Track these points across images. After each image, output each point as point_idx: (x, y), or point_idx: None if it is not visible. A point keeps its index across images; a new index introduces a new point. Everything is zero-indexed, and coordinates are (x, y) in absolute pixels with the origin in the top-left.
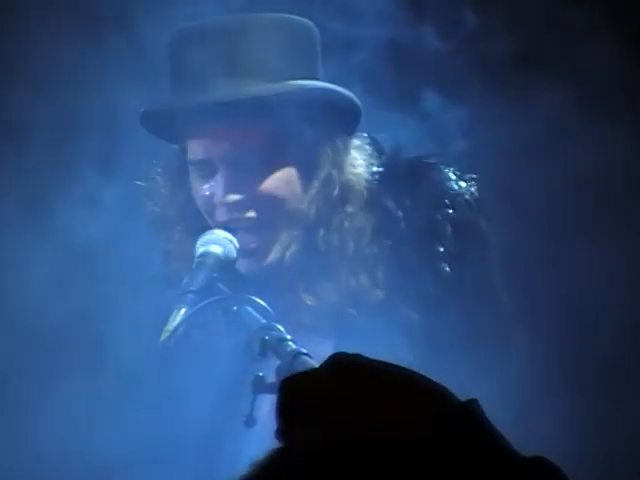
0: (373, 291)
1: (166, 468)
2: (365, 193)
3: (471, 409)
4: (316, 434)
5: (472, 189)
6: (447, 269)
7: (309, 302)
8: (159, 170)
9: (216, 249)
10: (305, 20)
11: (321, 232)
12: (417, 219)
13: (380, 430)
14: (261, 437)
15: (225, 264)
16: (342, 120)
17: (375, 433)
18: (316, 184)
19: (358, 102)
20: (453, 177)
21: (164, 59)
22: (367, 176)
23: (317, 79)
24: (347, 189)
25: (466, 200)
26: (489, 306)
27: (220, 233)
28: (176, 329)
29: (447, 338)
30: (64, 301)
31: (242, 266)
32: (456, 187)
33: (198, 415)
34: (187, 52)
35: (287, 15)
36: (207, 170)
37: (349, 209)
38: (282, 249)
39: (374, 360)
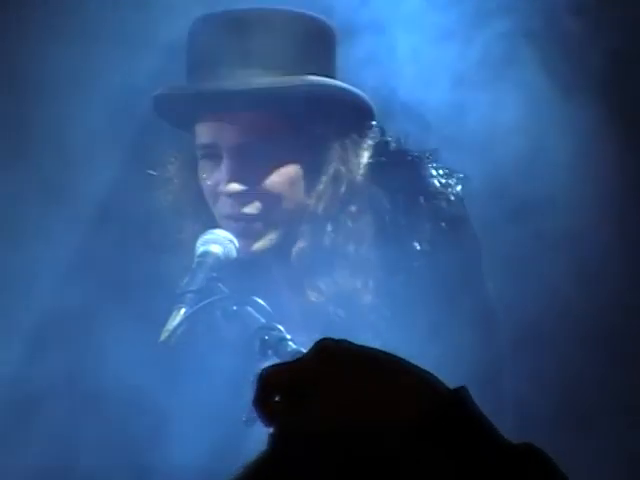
0: (363, 295)
1: (165, 467)
2: (367, 192)
3: (460, 396)
4: (299, 421)
5: (457, 188)
6: (425, 268)
7: (314, 299)
8: (172, 159)
9: (216, 249)
10: (325, 19)
11: (328, 228)
12: (401, 216)
13: (367, 416)
14: (261, 437)
15: (225, 264)
16: (353, 120)
17: (361, 419)
18: (324, 179)
19: (371, 104)
20: (436, 174)
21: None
22: (370, 176)
23: (333, 77)
24: (352, 188)
25: (448, 199)
26: (468, 310)
27: (220, 233)
28: (176, 329)
29: (430, 339)
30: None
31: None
32: (439, 185)
33: (198, 415)
34: (204, 40)
35: (307, 12)
36: (213, 156)
37: (352, 208)
38: (288, 244)
39: (360, 346)
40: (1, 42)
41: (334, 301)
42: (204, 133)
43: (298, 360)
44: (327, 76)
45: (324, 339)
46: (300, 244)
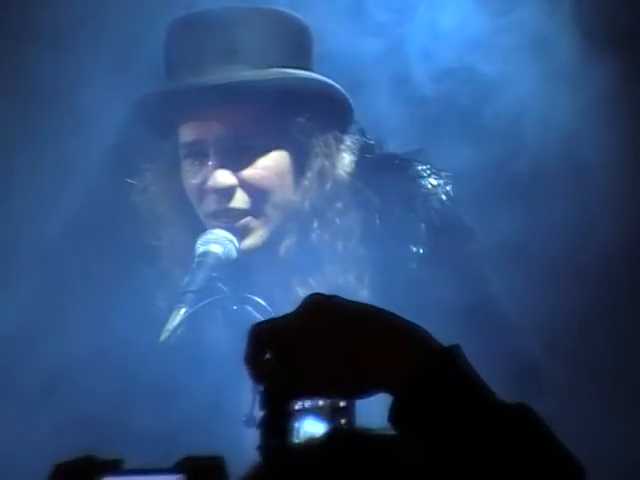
0: (359, 291)
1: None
2: (352, 190)
3: (454, 353)
4: (289, 375)
5: (447, 187)
6: (418, 269)
7: (305, 296)
8: (149, 166)
9: (216, 249)
10: (299, 17)
11: (315, 225)
12: (392, 217)
13: (359, 371)
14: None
15: (225, 264)
16: (335, 115)
17: (354, 374)
18: (309, 175)
19: (350, 99)
20: (427, 175)
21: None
22: (355, 173)
23: (312, 71)
24: (338, 184)
25: (439, 199)
26: (474, 308)
27: (220, 233)
28: (176, 329)
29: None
30: None
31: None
32: (430, 185)
33: (198, 415)
34: (183, 39)
35: (282, 9)
36: (198, 154)
37: (339, 205)
38: (276, 241)
39: (351, 301)
40: None
41: None
42: (188, 132)
43: (288, 315)
44: (307, 70)
45: (314, 294)
46: (287, 241)
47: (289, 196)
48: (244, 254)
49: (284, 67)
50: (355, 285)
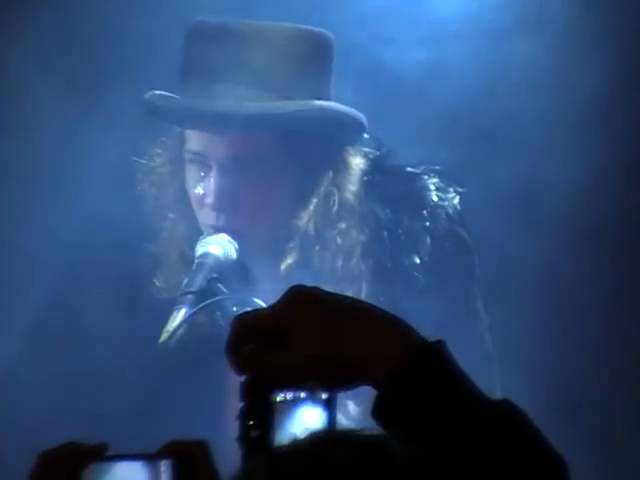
0: None
1: None
2: (358, 208)
3: (439, 347)
4: (271, 366)
5: (454, 201)
6: (423, 281)
7: None
8: (158, 151)
9: (216, 250)
10: (324, 32)
11: (317, 248)
12: (397, 229)
13: (342, 362)
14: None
15: (225, 265)
16: (346, 138)
17: (337, 365)
18: (314, 200)
19: (365, 122)
20: (435, 188)
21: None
22: (362, 191)
23: (328, 96)
24: (343, 206)
25: (446, 212)
26: (464, 322)
27: (220, 234)
28: (176, 330)
29: None
30: None
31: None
32: (436, 199)
33: (198, 415)
34: (199, 48)
35: (305, 27)
36: (201, 164)
37: (342, 225)
38: (277, 259)
39: (333, 293)
40: None
41: None
42: (194, 140)
43: (271, 306)
44: (323, 96)
45: (296, 286)
46: (289, 260)
47: (288, 221)
48: (244, 256)
49: (299, 97)
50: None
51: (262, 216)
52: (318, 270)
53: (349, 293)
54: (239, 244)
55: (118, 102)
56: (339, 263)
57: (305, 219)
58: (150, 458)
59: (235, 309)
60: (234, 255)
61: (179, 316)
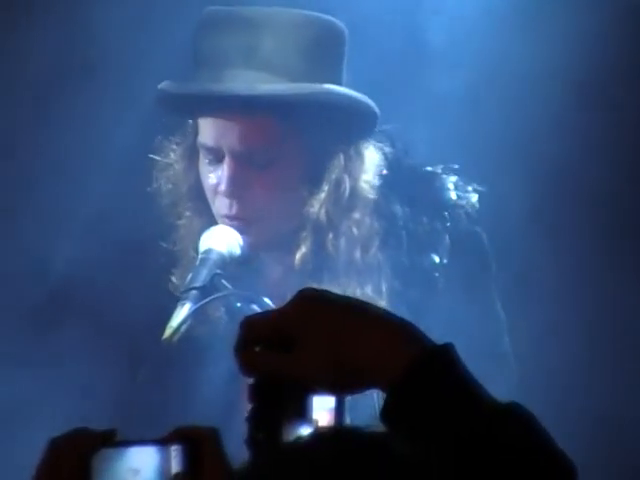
0: (377, 302)
1: None
2: (372, 200)
3: (447, 349)
4: (279, 368)
5: (473, 200)
6: (442, 280)
7: None
8: (174, 147)
9: (219, 246)
10: (335, 21)
11: (330, 236)
12: (417, 228)
13: (351, 365)
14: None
15: (229, 260)
16: (358, 126)
17: (345, 368)
18: (326, 187)
19: (377, 110)
20: (454, 187)
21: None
22: (375, 183)
23: (339, 83)
24: (356, 195)
25: (466, 212)
26: (484, 321)
27: (224, 229)
28: (180, 326)
29: None
30: None
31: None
32: (455, 197)
33: (199, 413)
34: (210, 36)
35: (317, 14)
36: (215, 156)
37: (356, 215)
38: (291, 249)
39: (341, 295)
40: None
41: None
42: (207, 131)
43: (280, 308)
44: (334, 82)
45: (305, 288)
46: (303, 249)
47: (300, 208)
48: (250, 252)
49: (309, 80)
50: (376, 296)
51: (274, 203)
52: (334, 259)
53: (369, 287)
54: (251, 233)
55: (132, 96)
56: (357, 253)
57: (317, 206)
58: (160, 443)
59: (239, 305)
60: (238, 251)
61: (183, 312)
